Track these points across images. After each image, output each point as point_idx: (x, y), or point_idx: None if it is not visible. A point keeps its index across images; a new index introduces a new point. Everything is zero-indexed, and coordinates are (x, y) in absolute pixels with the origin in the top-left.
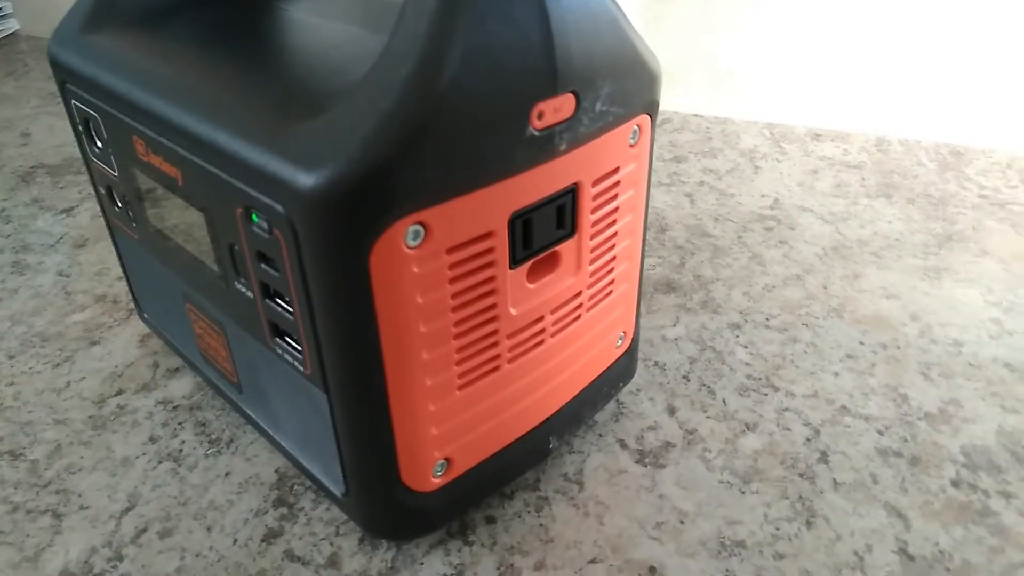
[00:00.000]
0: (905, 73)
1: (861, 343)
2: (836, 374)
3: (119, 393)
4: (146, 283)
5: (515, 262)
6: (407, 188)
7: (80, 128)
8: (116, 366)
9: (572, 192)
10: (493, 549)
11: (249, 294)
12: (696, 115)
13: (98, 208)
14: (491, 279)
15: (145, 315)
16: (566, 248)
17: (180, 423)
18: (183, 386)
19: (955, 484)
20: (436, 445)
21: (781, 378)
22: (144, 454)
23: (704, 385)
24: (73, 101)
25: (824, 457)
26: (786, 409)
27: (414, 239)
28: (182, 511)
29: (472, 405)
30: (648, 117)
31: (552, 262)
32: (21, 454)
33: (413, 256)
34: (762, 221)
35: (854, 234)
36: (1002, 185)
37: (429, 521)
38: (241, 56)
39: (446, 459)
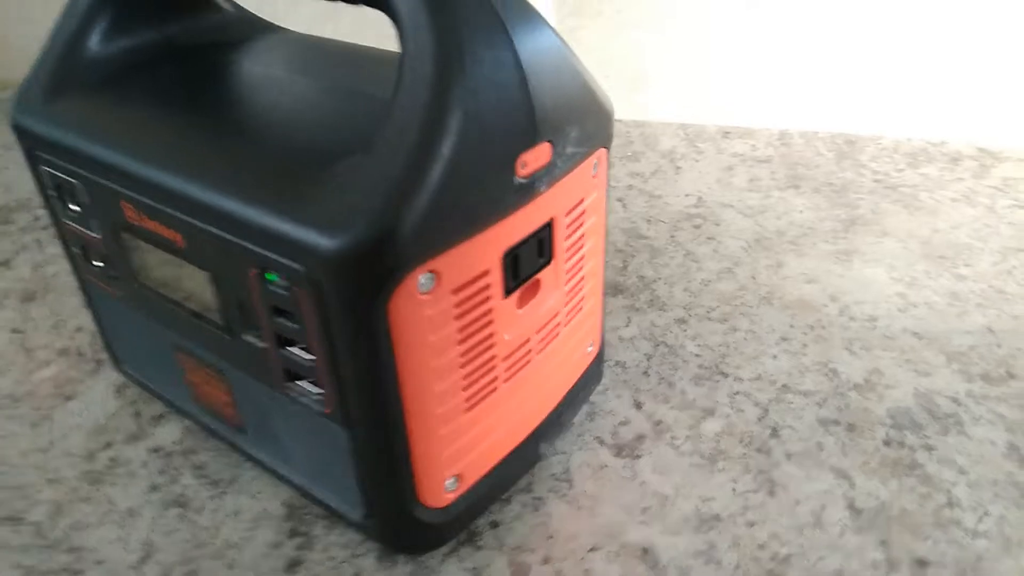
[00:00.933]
0: (798, 68)
1: (791, 326)
2: (774, 356)
3: (108, 446)
4: (127, 336)
5: (507, 292)
6: (419, 243)
7: (51, 193)
8: (98, 419)
9: (549, 225)
10: (502, 550)
11: (260, 344)
12: (617, 120)
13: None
14: (489, 311)
15: (125, 367)
16: (545, 274)
17: (177, 468)
18: (171, 432)
19: (887, 443)
20: (448, 464)
21: (728, 365)
22: (149, 503)
23: (663, 379)
24: (43, 167)
25: (775, 432)
26: (737, 393)
27: (426, 285)
28: (200, 553)
29: (476, 424)
30: (605, 150)
31: (534, 288)
32: (21, 518)
33: (426, 300)
34: (690, 219)
35: (772, 225)
36: (891, 169)
37: (444, 533)
38: (219, 115)
39: (456, 476)
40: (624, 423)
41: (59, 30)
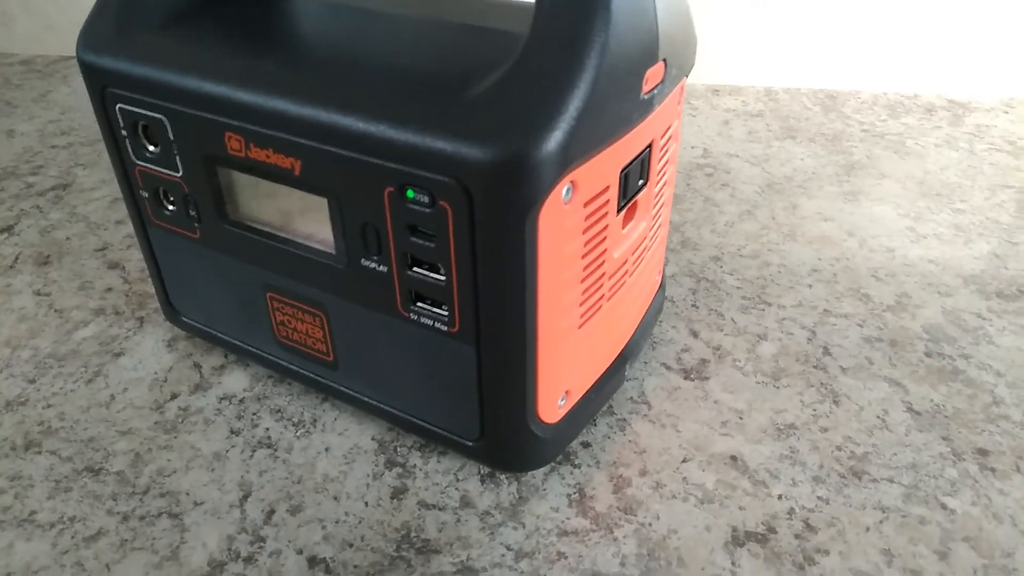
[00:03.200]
0: (781, 28)
1: (819, 259)
2: (810, 286)
3: (174, 397)
4: (195, 283)
5: (619, 210)
6: (567, 153)
7: (125, 134)
8: (155, 372)
9: (649, 147)
10: (599, 467)
11: (380, 268)
12: None
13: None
14: (606, 227)
15: (184, 318)
16: (642, 197)
17: (255, 413)
18: (238, 380)
19: (928, 355)
20: (562, 380)
21: (769, 295)
22: (234, 446)
23: (712, 310)
24: (120, 105)
25: (827, 351)
26: (784, 319)
27: (567, 196)
28: (300, 488)
29: (584, 341)
30: (685, 78)
31: (633, 209)
32: (101, 468)
33: (566, 211)
34: (701, 169)
35: (779, 172)
36: (875, 120)
37: (555, 449)
38: (321, 46)
39: (566, 392)
40: (686, 350)
41: None
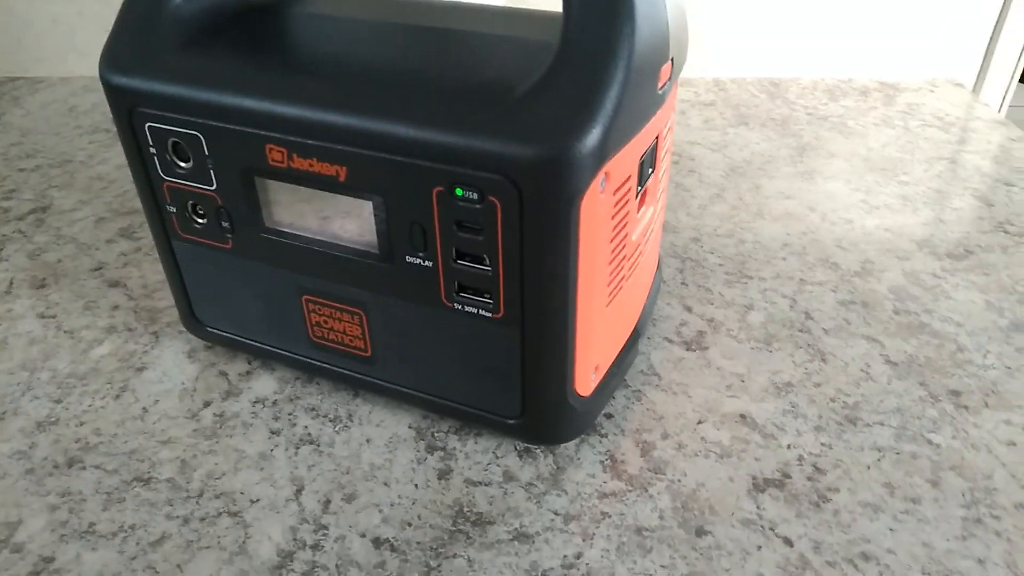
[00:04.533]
0: (723, 22)
1: (787, 234)
2: (784, 259)
3: (207, 404)
4: (223, 293)
5: (637, 196)
6: (604, 148)
7: (154, 151)
8: (182, 383)
9: (656, 139)
10: (624, 434)
11: (427, 263)
12: None
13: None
14: (628, 212)
15: (208, 327)
16: (650, 184)
17: (291, 413)
18: (266, 384)
19: (896, 313)
20: (593, 355)
21: (749, 269)
22: (277, 446)
23: (700, 286)
24: (149, 124)
25: (808, 315)
26: (766, 289)
27: (602, 186)
28: (351, 478)
29: (610, 317)
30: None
31: (644, 196)
32: (150, 477)
33: (602, 200)
34: None
35: (738, 156)
36: (817, 104)
37: (588, 419)
38: (350, 58)
39: (596, 366)
40: (683, 324)
41: None
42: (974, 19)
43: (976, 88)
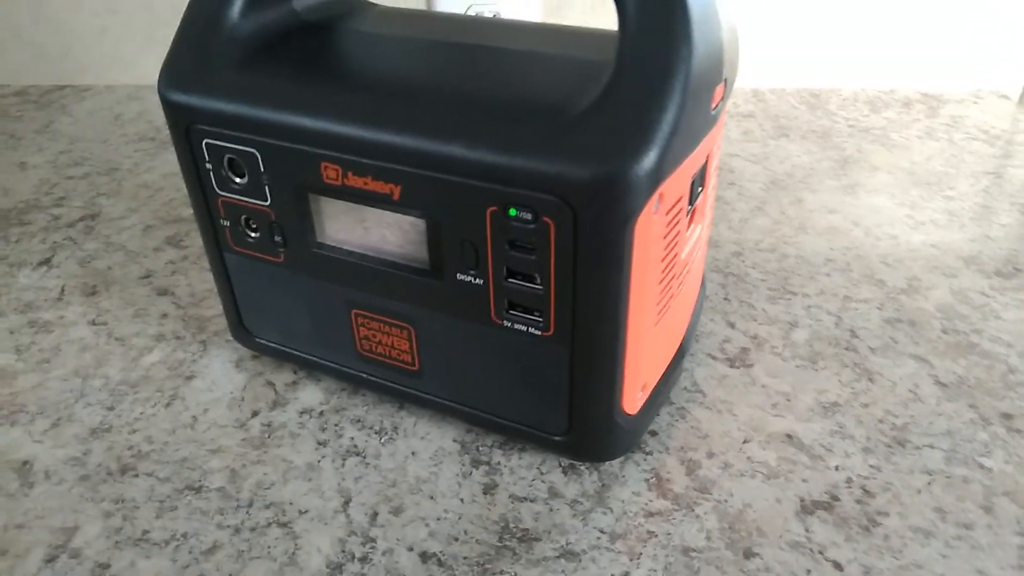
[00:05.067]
0: (763, 33)
1: (831, 248)
2: (828, 275)
3: (255, 414)
4: (272, 305)
5: (686, 216)
6: (659, 170)
7: (210, 167)
8: (230, 392)
9: (708, 156)
10: (669, 452)
11: (478, 281)
12: None
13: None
14: (679, 232)
15: (257, 338)
16: (699, 203)
17: (337, 424)
18: (313, 394)
19: (944, 332)
20: (642, 373)
21: (792, 285)
22: (324, 457)
23: (742, 301)
24: (206, 141)
25: (854, 334)
26: (810, 306)
27: (656, 207)
28: (397, 491)
29: (658, 335)
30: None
31: (694, 213)
32: (202, 486)
33: (655, 221)
34: None
35: (779, 168)
36: (859, 116)
37: (634, 437)
38: (404, 77)
39: (643, 385)
40: (726, 340)
41: (198, 5)
42: (1019, 29)
43: (1022, 100)
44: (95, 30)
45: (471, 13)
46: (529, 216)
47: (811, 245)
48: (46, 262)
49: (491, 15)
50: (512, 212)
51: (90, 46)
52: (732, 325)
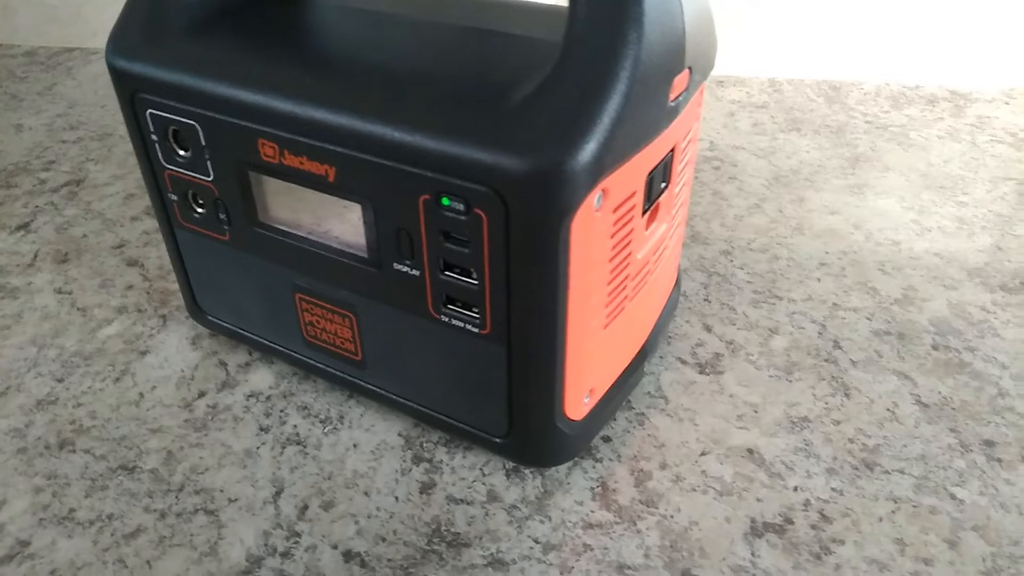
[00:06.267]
0: (783, 19)
1: (826, 252)
2: (819, 280)
3: (202, 395)
4: (221, 283)
5: (643, 213)
6: (600, 163)
7: (155, 138)
8: (182, 370)
9: (671, 151)
10: (620, 460)
11: (412, 272)
12: None
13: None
14: (631, 230)
15: (209, 317)
16: (663, 199)
17: (282, 410)
18: (263, 377)
19: (935, 348)
20: (587, 378)
21: (779, 288)
22: (264, 443)
23: (723, 304)
24: (150, 111)
25: (837, 344)
26: (794, 312)
27: (598, 203)
28: (331, 484)
29: (608, 340)
30: (704, 82)
31: (655, 212)
32: (135, 467)
33: (597, 218)
34: (709, 162)
35: (785, 164)
36: (878, 112)
37: (579, 444)
38: (351, 53)
39: (590, 390)
40: (700, 344)
41: None
42: None
43: None
44: None
45: None
46: (461, 207)
47: (806, 247)
48: (24, 226)
49: None
50: (445, 202)
51: (101, 9)
52: (708, 328)
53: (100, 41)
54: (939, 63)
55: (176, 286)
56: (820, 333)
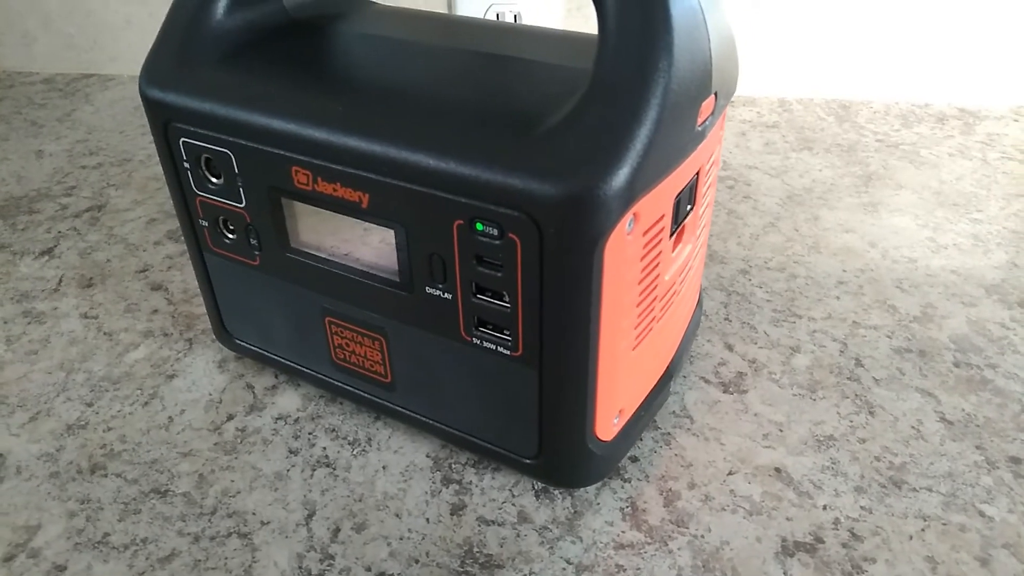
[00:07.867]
0: (792, 40)
1: (844, 271)
2: (837, 298)
3: (230, 418)
4: (250, 307)
5: (671, 235)
6: (632, 188)
7: (188, 166)
8: (210, 394)
9: (697, 174)
10: (648, 480)
11: (444, 296)
12: None
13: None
14: (660, 252)
15: (237, 340)
16: (689, 221)
17: (311, 433)
18: (291, 400)
19: (956, 365)
20: (617, 399)
21: (799, 307)
22: (294, 466)
23: (744, 323)
24: (183, 139)
25: (859, 362)
26: (815, 331)
27: (630, 227)
28: (363, 506)
29: (637, 361)
30: (727, 104)
31: (681, 233)
32: (168, 490)
33: (628, 241)
34: (723, 181)
35: (798, 183)
36: (888, 130)
37: (609, 464)
38: (383, 81)
39: (620, 410)
40: (722, 363)
41: (183, 1)
42: None
43: None
44: (121, 20)
45: (492, 13)
46: (495, 232)
47: (823, 266)
48: (48, 252)
49: (512, 15)
50: (479, 227)
51: (117, 36)
52: (730, 347)
53: (117, 67)
54: (948, 81)
55: (202, 310)
56: (842, 351)
